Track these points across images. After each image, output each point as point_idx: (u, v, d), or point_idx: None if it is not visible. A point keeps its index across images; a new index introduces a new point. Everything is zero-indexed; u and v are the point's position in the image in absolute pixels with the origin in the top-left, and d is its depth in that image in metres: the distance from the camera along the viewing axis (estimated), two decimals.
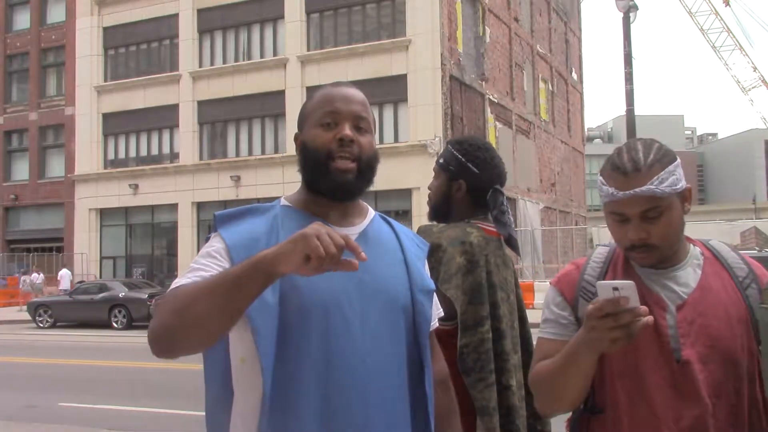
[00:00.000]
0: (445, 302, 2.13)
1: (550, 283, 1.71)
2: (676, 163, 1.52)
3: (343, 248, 1.18)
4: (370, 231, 1.56)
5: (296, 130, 1.60)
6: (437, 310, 1.68)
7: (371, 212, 1.62)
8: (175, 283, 1.37)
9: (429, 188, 2.40)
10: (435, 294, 1.63)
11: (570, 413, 1.66)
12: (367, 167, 1.51)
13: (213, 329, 1.27)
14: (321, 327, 1.40)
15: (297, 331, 1.39)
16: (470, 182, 2.28)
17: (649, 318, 1.30)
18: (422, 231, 2.26)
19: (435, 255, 2.16)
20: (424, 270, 1.62)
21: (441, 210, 2.35)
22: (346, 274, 1.37)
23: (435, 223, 2.35)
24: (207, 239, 1.50)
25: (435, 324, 1.64)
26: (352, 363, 1.40)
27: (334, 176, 1.47)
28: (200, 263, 1.41)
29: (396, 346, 1.48)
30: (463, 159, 2.29)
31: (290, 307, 1.39)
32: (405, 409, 1.48)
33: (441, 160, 2.36)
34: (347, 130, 1.48)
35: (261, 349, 1.35)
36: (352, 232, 1.52)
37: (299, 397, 1.38)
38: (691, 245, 1.63)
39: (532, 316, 2.24)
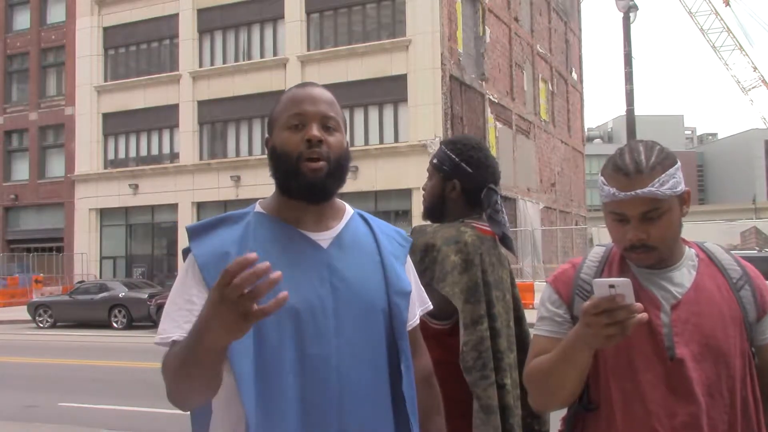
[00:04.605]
0: (442, 301, 2.14)
1: (547, 282, 1.73)
2: (676, 166, 1.55)
3: (252, 275, 1.10)
4: (345, 234, 1.54)
5: None
6: (422, 306, 1.67)
7: (349, 212, 1.60)
8: (164, 332, 1.38)
9: (423, 189, 2.41)
10: (426, 292, 1.63)
11: (565, 410, 1.67)
12: (337, 166, 1.49)
13: (210, 389, 1.32)
14: (294, 333, 1.39)
15: (274, 339, 1.39)
16: (464, 182, 2.29)
17: (644, 315, 1.32)
18: (416, 231, 2.27)
19: (430, 254, 2.17)
20: (402, 270, 1.59)
21: (435, 210, 2.36)
22: (318, 281, 1.41)
23: (429, 223, 2.35)
24: (185, 252, 1.49)
25: (416, 321, 1.63)
26: (325, 370, 1.40)
27: (305, 177, 1.46)
28: (179, 302, 1.41)
29: (374, 351, 1.47)
30: (456, 159, 2.30)
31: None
32: (385, 414, 1.47)
33: (435, 161, 2.36)
34: (315, 131, 1.47)
35: (236, 367, 1.34)
36: (326, 236, 1.51)
37: (282, 405, 1.37)
38: (687, 247, 1.65)
39: (532, 316, 2.23)
